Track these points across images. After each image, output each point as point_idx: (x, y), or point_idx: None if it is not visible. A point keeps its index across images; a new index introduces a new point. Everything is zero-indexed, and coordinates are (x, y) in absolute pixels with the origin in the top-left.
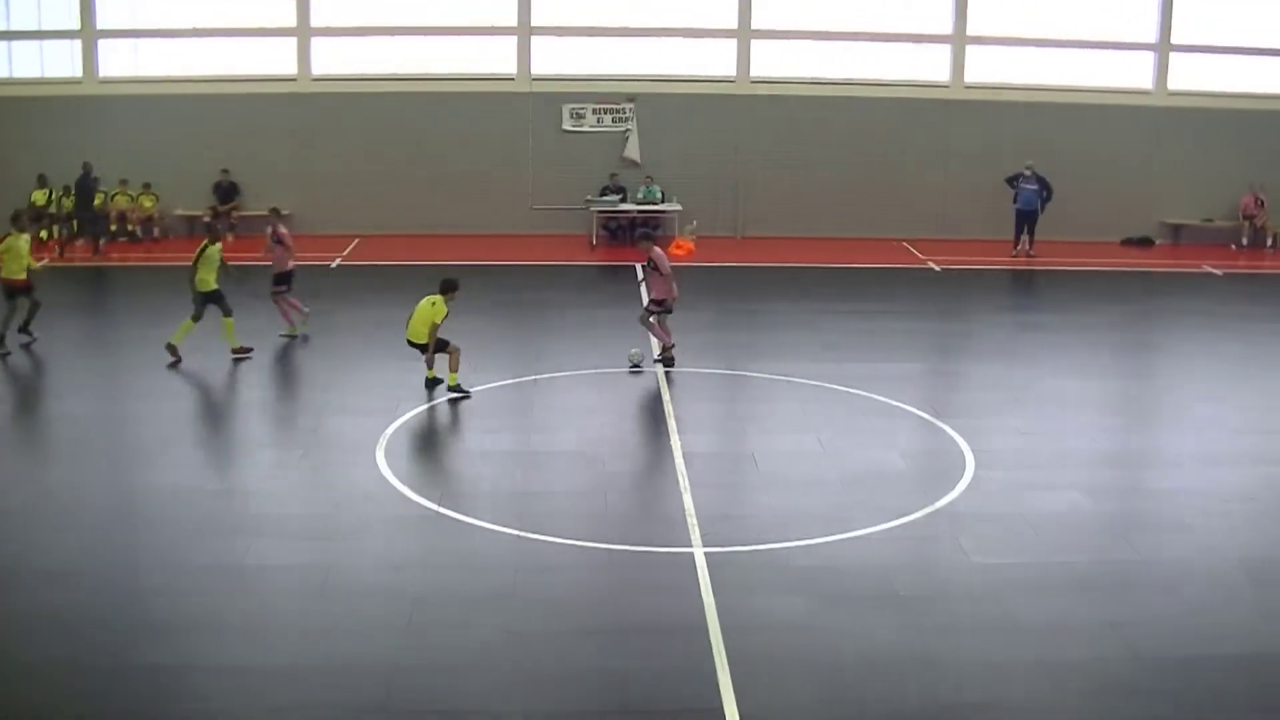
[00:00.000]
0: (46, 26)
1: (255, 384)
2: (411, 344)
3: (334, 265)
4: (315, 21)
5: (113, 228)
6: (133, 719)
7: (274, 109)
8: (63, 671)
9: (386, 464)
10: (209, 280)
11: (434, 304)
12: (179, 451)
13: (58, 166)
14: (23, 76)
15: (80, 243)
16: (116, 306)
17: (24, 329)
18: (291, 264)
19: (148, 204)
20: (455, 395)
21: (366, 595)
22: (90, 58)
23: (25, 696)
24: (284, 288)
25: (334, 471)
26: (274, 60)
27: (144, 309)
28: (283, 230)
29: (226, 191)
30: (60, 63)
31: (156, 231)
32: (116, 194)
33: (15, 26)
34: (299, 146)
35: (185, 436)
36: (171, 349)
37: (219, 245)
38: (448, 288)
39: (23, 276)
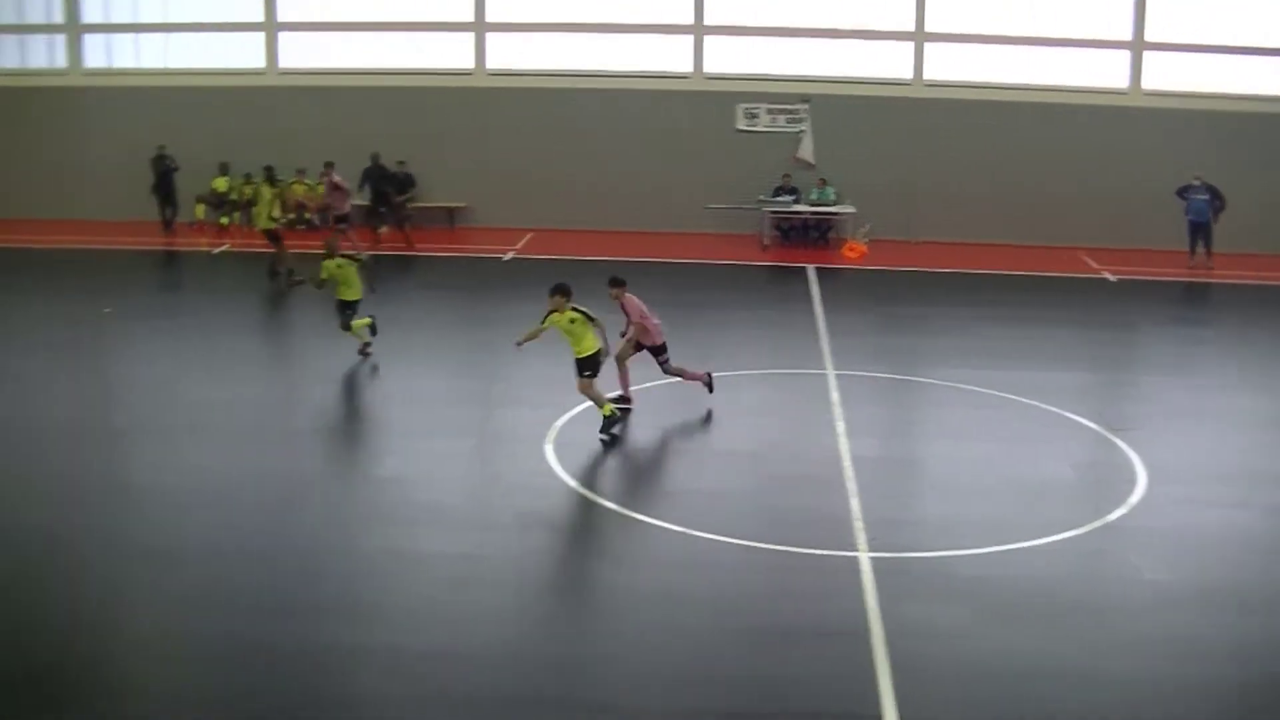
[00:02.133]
0: (232, 19)
1: (430, 373)
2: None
3: (507, 258)
4: (491, 17)
5: (290, 215)
6: (296, 698)
7: (452, 102)
8: (227, 649)
9: (555, 457)
10: (350, 292)
11: (571, 320)
12: (353, 437)
13: (240, 155)
14: (209, 68)
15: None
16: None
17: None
18: (348, 206)
19: (321, 191)
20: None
21: (526, 586)
22: (272, 49)
23: (192, 673)
24: (344, 225)
25: (502, 462)
26: (452, 54)
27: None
28: (337, 178)
29: (402, 182)
30: (244, 54)
31: (333, 220)
32: (293, 183)
33: (202, 18)
34: (475, 140)
35: (361, 422)
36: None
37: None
38: (557, 291)
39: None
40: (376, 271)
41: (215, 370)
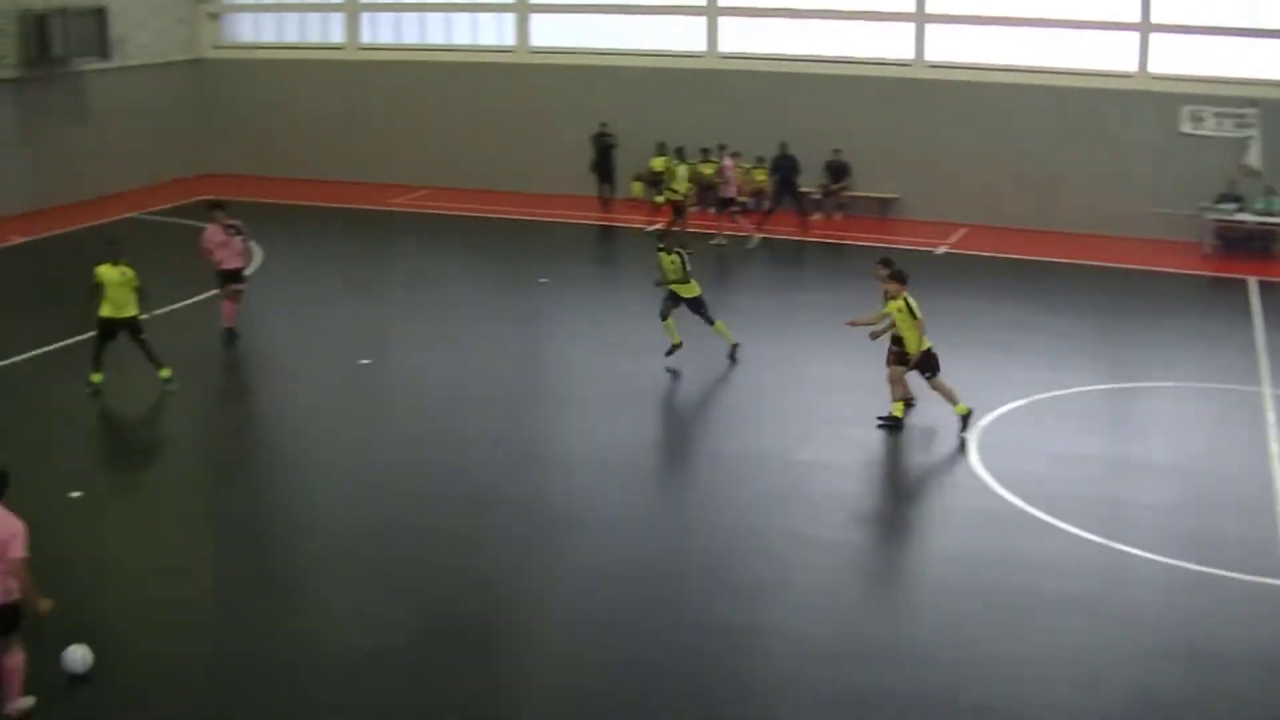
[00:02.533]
0: (675, 3)
1: (856, 362)
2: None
3: (939, 252)
4: (931, 8)
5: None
6: (693, 670)
7: (890, 93)
8: (623, 617)
9: (978, 455)
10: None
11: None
12: (775, 419)
13: (678, 136)
14: (653, 49)
15: (694, 209)
16: (713, 274)
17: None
18: (734, 191)
19: (759, 177)
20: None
21: (932, 584)
22: (714, 33)
23: (585, 635)
24: (735, 209)
25: (923, 456)
26: (893, 45)
27: (741, 278)
28: (728, 163)
29: (838, 171)
30: (686, 37)
31: (767, 205)
32: (702, 163)
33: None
34: (912, 132)
35: (785, 404)
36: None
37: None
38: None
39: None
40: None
41: (634, 345)
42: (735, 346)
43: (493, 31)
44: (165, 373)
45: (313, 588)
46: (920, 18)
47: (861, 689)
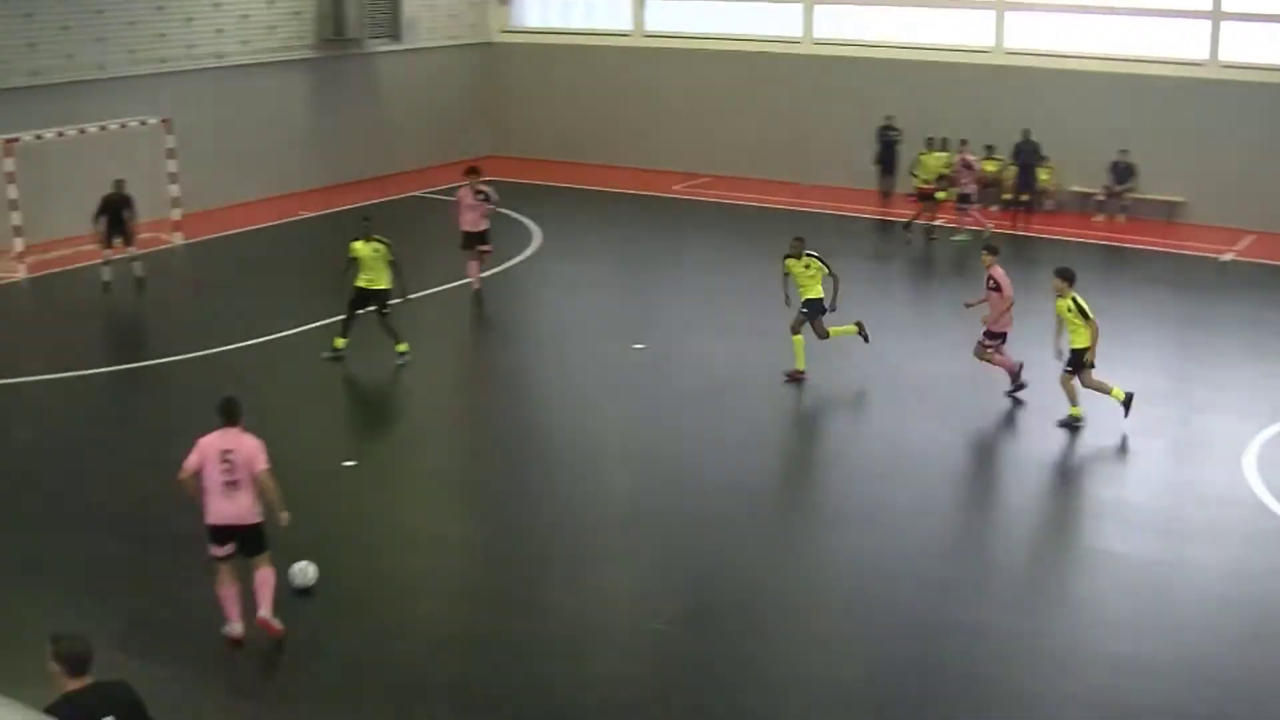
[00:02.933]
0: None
1: (1126, 369)
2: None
3: (1224, 259)
4: (1229, 5)
5: (1005, 196)
6: (943, 670)
7: (1180, 94)
8: (878, 612)
9: (1256, 469)
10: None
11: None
12: (1037, 423)
13: (965, 132)
14: (938, 43)
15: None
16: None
17: None
18: (973, 186)
19: (1044, 176)
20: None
21: (1212, 600)
22: (1001, 27)
23: (842, 629)
24: (965, 205)
25: (1195, 468)
26: (1185, 44)
27: (1014, 279)
28: (970, 157)
29: (1123, 172)
30: (975, 31)
31: (1049, 204)
32: (1012, 164)
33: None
34: (1202, 133)
35: (1042, 409)
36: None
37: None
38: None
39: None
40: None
41: (905, 340)
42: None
43: (779, 21)
44: (402, 347)
45: (583, 566)
46: (1217, 15)
47: (1128, 706)
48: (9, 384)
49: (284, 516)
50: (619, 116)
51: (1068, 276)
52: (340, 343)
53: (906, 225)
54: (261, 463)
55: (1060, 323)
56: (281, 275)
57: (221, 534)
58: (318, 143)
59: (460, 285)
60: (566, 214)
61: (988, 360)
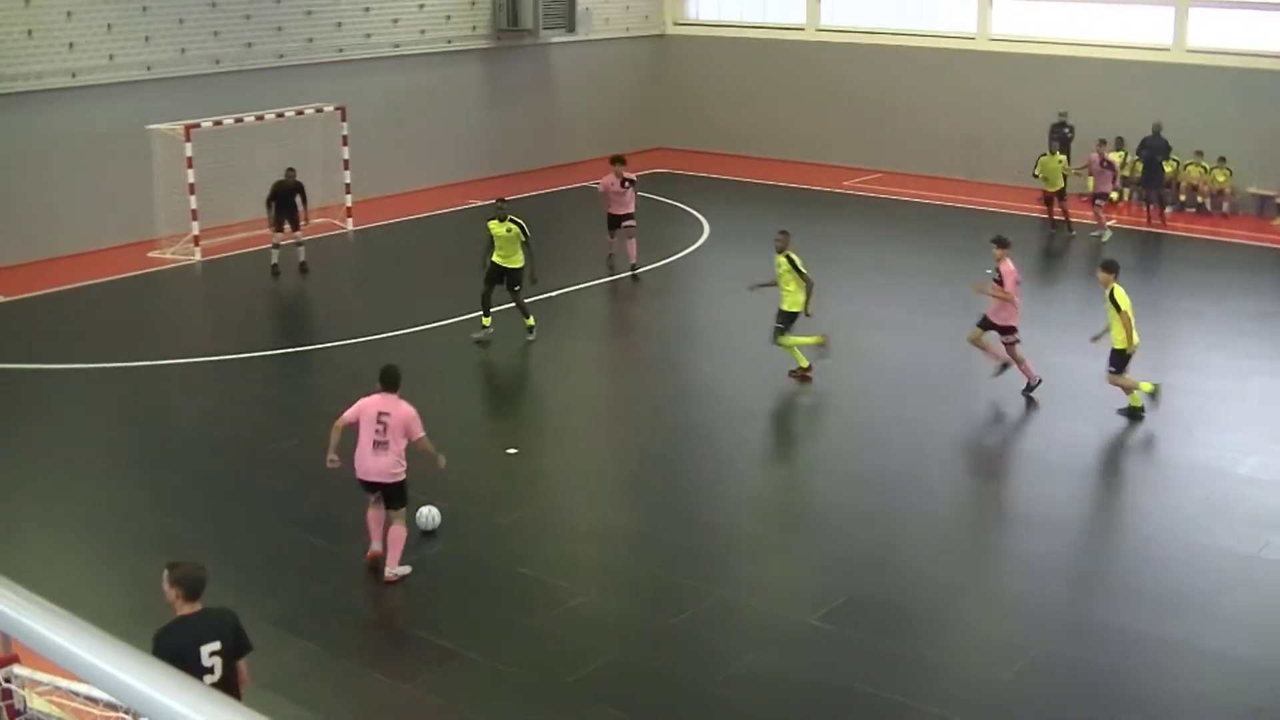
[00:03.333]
0: None
1: None
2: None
3: None
4: None
5: (1181, 198)
6: (1104, 674)
7: None
8: (1039, 613)
9: None
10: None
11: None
12: (1203, 430)
13: (1138, 131)
14: (1114, 40)
15: (1150, 208)
16: (1164, 273)
17: None
18: (1109, 185)
19: (1220, 178)
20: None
21: None
22: (1183, 25)
23: (1001, 629)
24: (1101, 201)
25: None
26: None
27: (1191, 280)
28: (1109, 155)
29: None
30: (1155, 29)
31: (1225, 207)
32: (1189, 164)
33: None
34: None
35: (1209, 415)
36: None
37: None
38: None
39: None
40: None
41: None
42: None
43: (953, 17)
44: (530, 321)
45: (741, 558)
46: None
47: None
48: (175, 364)
49: (441, 460)
50: (790, 111)
51: (1112, 269)
52: (486, 321)
53: (1063, 224)
54: (417, 431)
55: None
56: (446, 263)
57: (368, 487)
58: (489, 132)
59: (621, 277)
60: (735, 208)
61: (1015, 359)
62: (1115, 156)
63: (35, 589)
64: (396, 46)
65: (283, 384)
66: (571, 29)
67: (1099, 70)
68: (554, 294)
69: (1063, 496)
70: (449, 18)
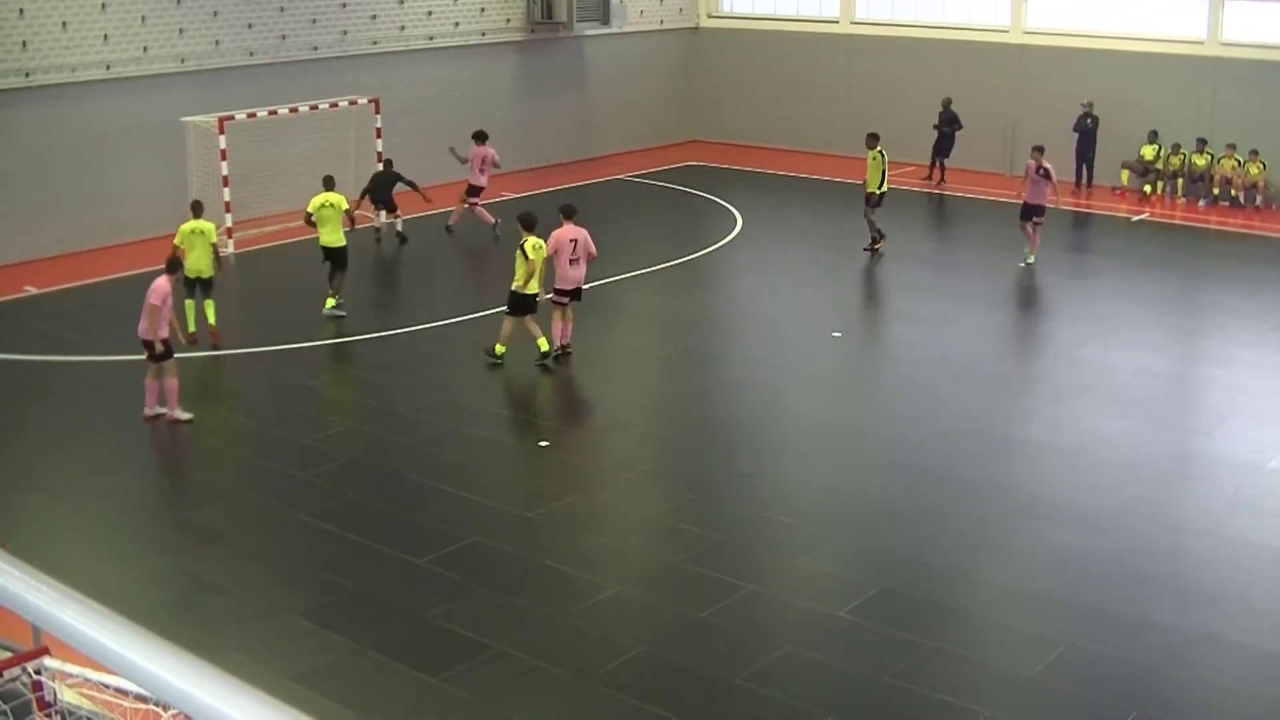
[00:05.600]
0: None
1: None
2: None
3: None
4: None
5: (1215, 190)
6: (1133, 670)
7: None
8: (1069, 609)
9: None
10: None
11: (527, 248)
12: (1233, 424)
13: (1171, 124)
14: (1146, 34)
15: (1183, 201)
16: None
17: None
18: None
19: (1254, 171)
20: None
21: None
22: (1217, 18)
23: (1032, 624)
24: None
25: None
26: None
27: (1223, 274)
28: None
29: None
30: (1186, 22)
31: (1259, 200)
32: (1223, 158)
33: None
34: None
35: (1240, 409)
36: None
37: None
38: (529, 223)
39: None
40: None
41: (1105, 335)
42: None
43: (987, 10)
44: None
45: (772, 551)
46: None
47: None
48: (207, 356)
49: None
50: (823, 104)
51: (527, 223)
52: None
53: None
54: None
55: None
56: (477, 257)
57: (565, 294)
58: (523, 125)
59: (662, 269)
60: (769, 200)
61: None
62: (1148, 151)
63: (63, 581)
64: (430, 39)
65: (319, 375)
66: (605, 22)
67: (1133, 64)
68: (586, 286)
69: (1092, 491)
70: (483, 10)
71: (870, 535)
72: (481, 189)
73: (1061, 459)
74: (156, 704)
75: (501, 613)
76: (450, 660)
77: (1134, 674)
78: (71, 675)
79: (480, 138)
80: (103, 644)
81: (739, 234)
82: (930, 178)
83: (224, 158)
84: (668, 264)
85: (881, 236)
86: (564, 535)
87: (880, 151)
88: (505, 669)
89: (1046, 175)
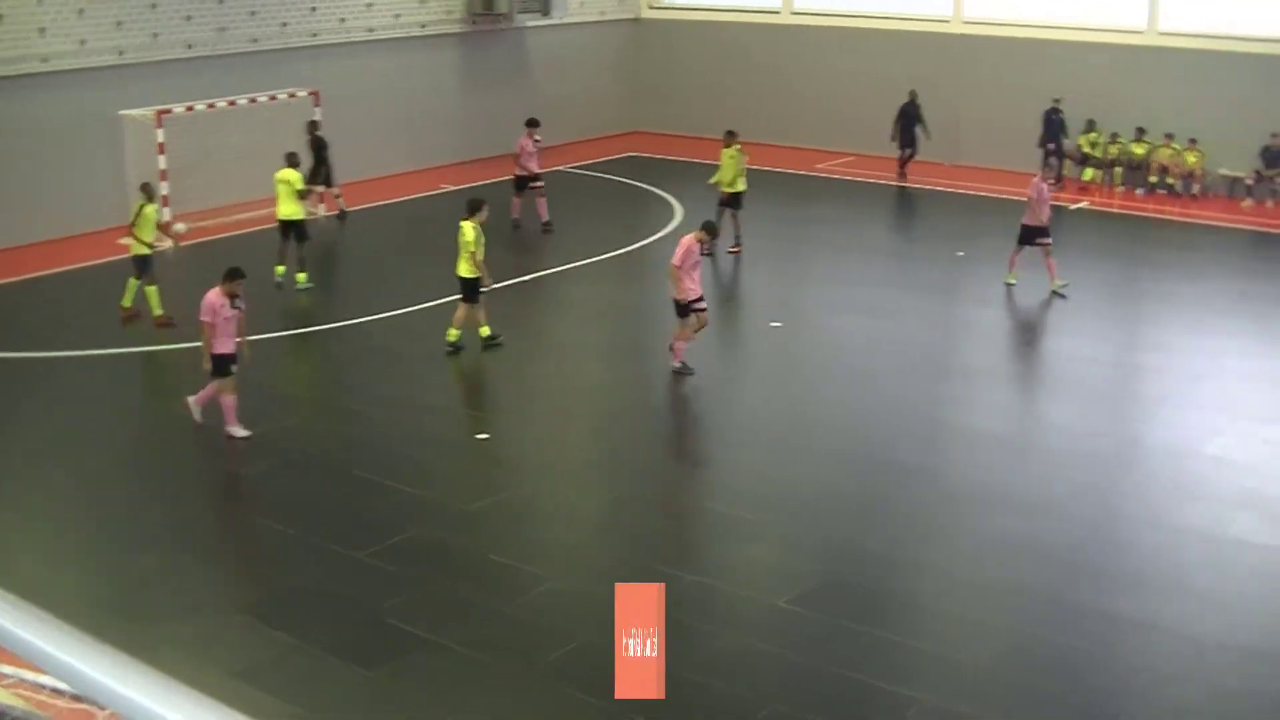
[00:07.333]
0: None
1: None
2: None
3: None
4: None
5: (1152, 179)
6: (1079, 656)
7: None
8: (1013, 596)
9: None
10: None
11: (464, 229)
12: (1172, 410)
13: (1110, 113)
14: (1088, 24)
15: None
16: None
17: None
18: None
19: (1191, 159)
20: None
21: None
22: (1155, 8)
23: (975, 611)
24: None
25: None
26: None
27: (1163, 262)
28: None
29: (1273, 156)
30: (1128, 13)
31: (1196, 188)
32: (1160, 146)
33: None
34: None
35: (1180, 395)
36: None
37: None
38: (473, 208)
39: None
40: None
41: (1044, 322)
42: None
43: (928, 1)
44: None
45: (719, 544)
46: None
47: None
48: (146, 351)
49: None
50: (765, 94)
51: (472, 207)
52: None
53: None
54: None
55: None
56: (418, 249)
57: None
58: (464, 117)
59: (601, 260)
60: (709, 191)
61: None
62: (1084, 141)
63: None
64: (371, 31)
65: (254, 369)
66: (547, 13)
67: (1073, 53)
68: (526, 278)
69: (1036, 478)
70: (424, 2)
71: (813, 524)
72: (528, 175)
73: (1005, 446)
74: (91, 704)
75: (444, 606)
76: (392, 654)
77: (1078, 659)
78: (6, 676)
79: (532, 124)
80: (32, 644)
81: (678, 225)
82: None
83: (162, 151)
84: (607, 255)
85: (738, 243)
86: (505, 528)
87: (738, 148)
88: (448, 662)
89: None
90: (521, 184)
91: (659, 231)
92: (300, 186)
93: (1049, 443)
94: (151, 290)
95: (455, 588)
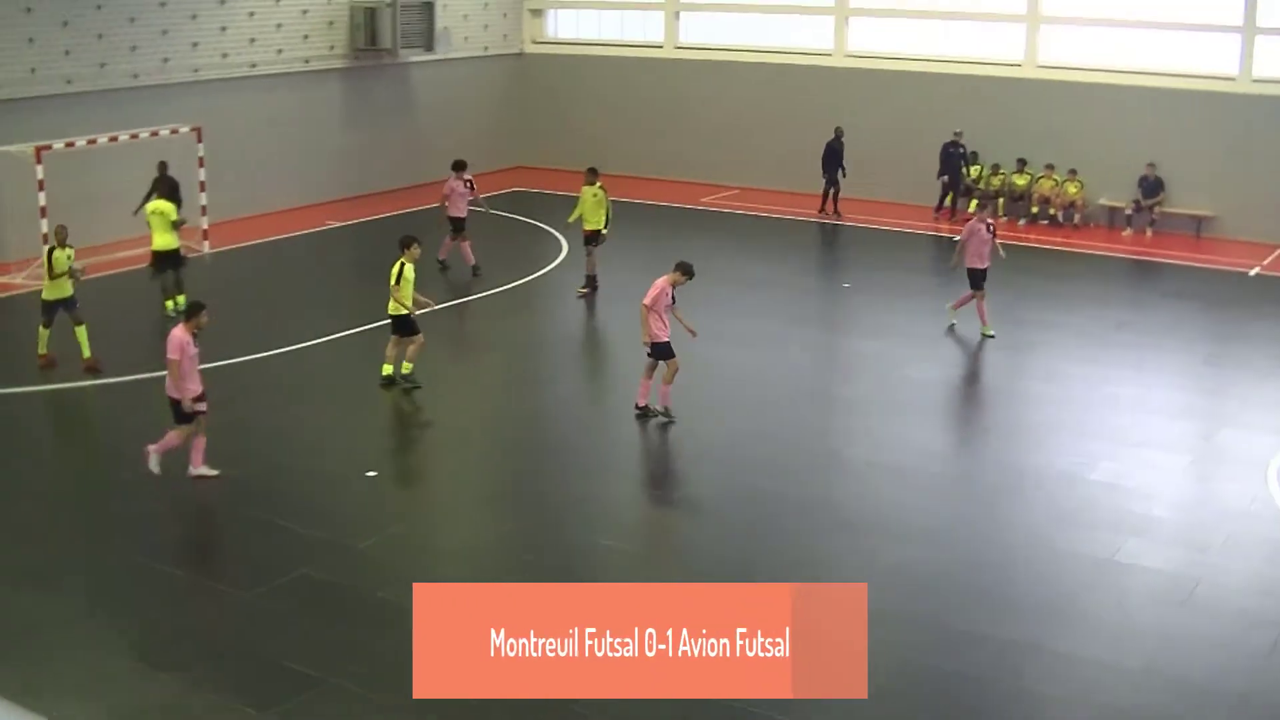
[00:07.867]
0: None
1: (1148, 384)
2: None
3: (1252, 274)
4: (1262, 21)
5: (1034, 209)
6: (967, 683)
7: (1208, 108)
8: (902, 624)
9: (1278, 485)
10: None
11: (406, 269)
12: (1058, 437)
13: (992, 145)
14: (967, 57)
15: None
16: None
17: None
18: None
19: (1072, 190)
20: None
21: (1232, 615)
22: (1033, 42)
23: (886, 644)
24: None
25: (1220, 484)
26: (1215, 59)
27: (1045, 292)
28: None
29: (1151, 186)
30: (1007, 46)
31: (1077, 218)
32: (1042, 178)
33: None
34: (1231, 148)
35: (1065, 423)
36: None
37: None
38: (405, 243)
39: None
40: None
41: (931, 353)
42: None
43: (811, 34)
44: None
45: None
46: (1250, 30)
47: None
48: (24, 392)
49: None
50: (650, 128)
51: (405, 243)
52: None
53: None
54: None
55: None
56: (303, 286)
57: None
58: (349, 152)
59: (488, 295)
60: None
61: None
62: (969, 171)
63: None
64: (254, 66)
65: (139, 411)
66: (430, 48)
67: (953, 86)
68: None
69: (921, 506)
70: (306, 37)
71: (698, 556)
72: (461, 218)
73: (889, 476)
74: None
75: (334, 645)
76: (283, 694)
77: (965, 685)
78: None
79: (459, 166)
80: None
81: (564, 259)
82: (825, 209)
83: (42, 188)
84: (494, 290)
85: (593, 286)
86: (394, 565)
87: (600, 186)
88: (339, 702)
89: (993, 233)
90: (458, 226)
91: (545, 267)
92: (175, 217)
93: (935, 470)
94: (80, 330)
95: (345, 626)
